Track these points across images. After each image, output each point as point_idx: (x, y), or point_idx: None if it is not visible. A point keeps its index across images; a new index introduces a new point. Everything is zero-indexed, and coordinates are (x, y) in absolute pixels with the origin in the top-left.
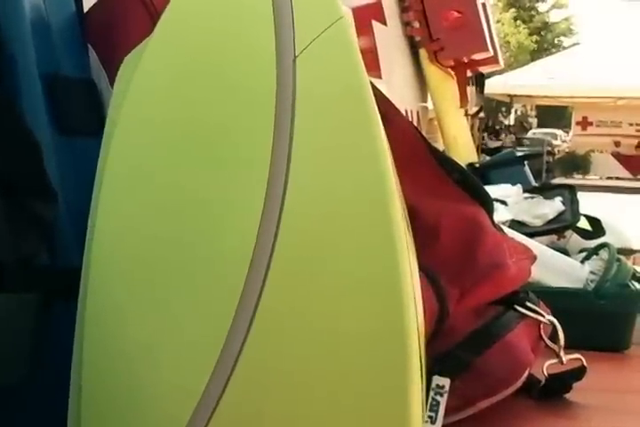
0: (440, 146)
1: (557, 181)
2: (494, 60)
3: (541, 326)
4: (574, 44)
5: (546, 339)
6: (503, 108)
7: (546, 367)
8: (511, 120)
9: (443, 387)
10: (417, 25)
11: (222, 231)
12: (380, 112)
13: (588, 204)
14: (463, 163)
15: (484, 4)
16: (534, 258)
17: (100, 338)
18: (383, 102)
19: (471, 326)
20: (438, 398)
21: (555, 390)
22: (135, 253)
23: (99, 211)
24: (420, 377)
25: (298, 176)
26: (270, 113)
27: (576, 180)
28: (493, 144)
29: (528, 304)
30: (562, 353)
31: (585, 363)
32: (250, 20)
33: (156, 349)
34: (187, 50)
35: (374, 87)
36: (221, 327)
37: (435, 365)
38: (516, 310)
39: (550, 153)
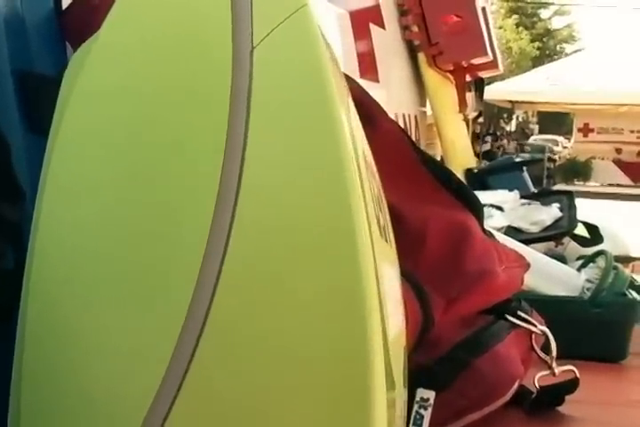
0: (438, 151)
1: (558, 187)
2: (494, 64)
3: (533, 336)
4: (576, 51)
5: (538, 350)
6: (504, 115)
7: (537, 379)
8: (512, 126)
9: (427, 400)
10: (416, 29)
11: (173, 229)
12: (368, 116)
13: (589, 211)
14: (461, 168)
15: (483, 9)
16: (527, 266)
17: (42, 339)
18: (371, 106)
19: (458, 336)
20: (422, 411)
21: (547, 402)
22: (80, 254)
23: (42, 213)
24: (383, 395)
25: (252, 174)
26: (224, 108)
27: (577, 186)
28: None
29: (520, 314)
30: (554, 365)
31: (578, 375)
32: (205, 8)
33: (105, 351)
34: (137, 40)
35: (364, 91)
36: (174, 324)
37: (419, 376)
38: (506, 319)
39: (551, 159)
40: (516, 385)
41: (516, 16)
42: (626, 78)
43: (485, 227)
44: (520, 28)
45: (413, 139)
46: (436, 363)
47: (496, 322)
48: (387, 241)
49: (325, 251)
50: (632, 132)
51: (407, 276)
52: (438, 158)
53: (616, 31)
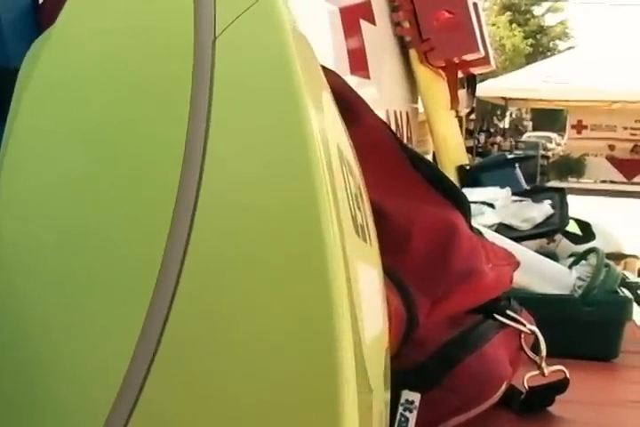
0: (430, 148)
1: (552, 184)
2: (485, 61)
3: (522, 335)
4: (569, 48)
5: (527, 349)
6: (498, 111)
7: (526, 380)
8: (506, 123)
9: (412, 402)
10: (407, 25)
11: (133, 221)
12: (352, 112)
13: (582, 207)
14: (453, 165)
15: (475, 5)
16: (517, 264)
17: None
18: (356, 103)
19: (445, 336)
20: (407, 414)
21: (536, 403)
22: (39, 243)
23: None
24: (354, 398)
25: (213, 170)
26: (185, 100)
27: (570, 183)
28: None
29: (509, 313)
30: (544, 365)
31: (568, 375)
32: None
33: (64, 349)
34: (95, 29)
35: (348, 87)
36: (137, 317)
37: (404, 378)
38: (495, 319)
39: (545, 156)
40: (504, 386)
41: (509, 13)
42: (619, 75)
43: (476, 224)
44: (513, 25)
45: (405, 136)
46: (422, 364)
47: (484, 322)
48: (365, 240)
49: (290, 249)
50: (625, 128)
51: (391, 275)
52: (430, 155)
53: (609, 28)
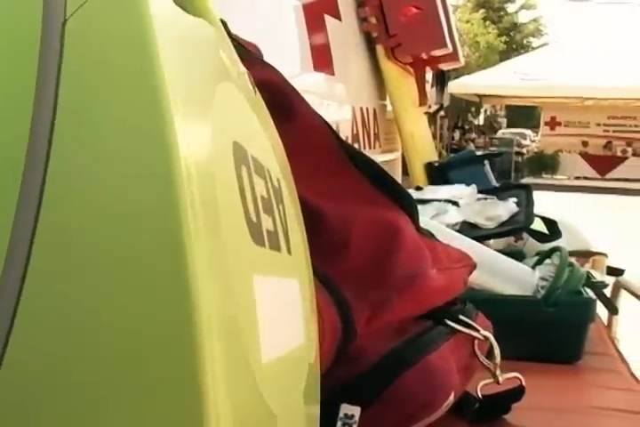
0: (399, 145)
1: (526, 180)
2: (454, 56)
3: (476, 341)
4: (543, 45)
5: (480, 356)
6: (472, 108)
7: (480, 388)
8: (481, 120)
9: (352, 417)
10: (374, 20)
11: None
12: (285, 108)
13: (556, 204)
14: (421, 162)
15: (443, 0)
16: (473, 266)
17: None
18: (291, 98)
19: (387, 345)
20: None
21: (491, 411)
22: None
23: None
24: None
25: (58, 175)
26: (30, 92)
27: (545, 179)
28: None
29: (461, 318)
30: (498, 372)
31: (523, 382)
32: None
33: None
34: None
35: (284, 80)
36: None
37: (342, 392)
38: (446, 325)
39: (519, 153)
40: (452, 397)
41: (483, 10)
42: (592, 72)
43: (439, 222)
44: (487, 23)
45: (372, 133)
46: (360, 376)
47: (433, 328)
48: (277, 248)
49: (145, 266)
50: (598, 125)
51: (326, 281)
52: (399, 152)
53: (582, 25)
